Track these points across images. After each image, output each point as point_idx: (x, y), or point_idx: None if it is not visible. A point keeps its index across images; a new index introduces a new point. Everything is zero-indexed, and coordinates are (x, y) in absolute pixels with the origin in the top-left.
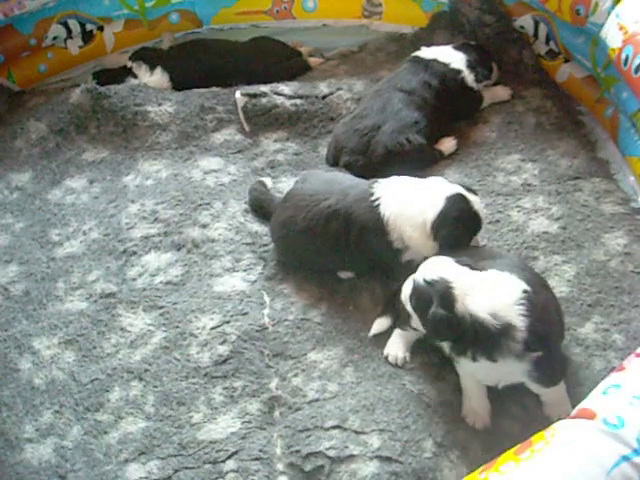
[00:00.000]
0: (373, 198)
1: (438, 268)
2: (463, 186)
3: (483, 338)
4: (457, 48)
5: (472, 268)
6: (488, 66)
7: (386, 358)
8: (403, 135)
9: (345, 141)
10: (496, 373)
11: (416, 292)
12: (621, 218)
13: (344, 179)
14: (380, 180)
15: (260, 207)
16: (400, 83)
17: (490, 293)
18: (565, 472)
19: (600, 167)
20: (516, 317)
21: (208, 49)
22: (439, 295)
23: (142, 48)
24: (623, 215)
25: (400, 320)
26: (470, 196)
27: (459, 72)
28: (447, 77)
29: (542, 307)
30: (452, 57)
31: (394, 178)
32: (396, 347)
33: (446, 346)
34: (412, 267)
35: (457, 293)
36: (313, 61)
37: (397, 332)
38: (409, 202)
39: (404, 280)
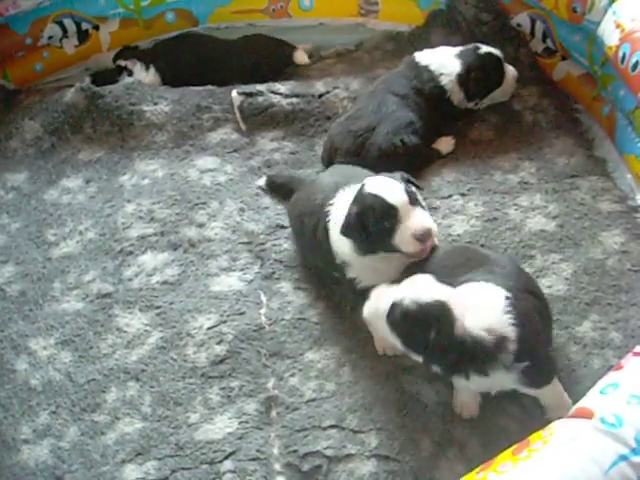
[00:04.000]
0: (328, 205)
1: (426, 288)
2: (402, 177)
3: (479, 355)
4: (460, 56)
5: (450, 285)
6: (490, 81)
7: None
8: (398, 136)
9: (340, 142)
10: (487, 384)
11: (405, 315)
12: (618, 216)
13: (354, 175)
14: (352, 185)
15: (277, 184)
16: (393, 87)
17: (479, 308)
18: (563, 472)
19: (597, 165)
20: (507, 327)
21: (198, 44)
22: (439, 319)
23: (125, 47)
24: (620, 213)
25: None
26: (389, 189)
27: (444, 91)
28: (432, 91)
29: (525, 313)
30: (445, 69)
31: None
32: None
33: (437, 368)
34: (356, 286)
35: (456, 315)
36: (299, 55)
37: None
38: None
39: (356, 301)
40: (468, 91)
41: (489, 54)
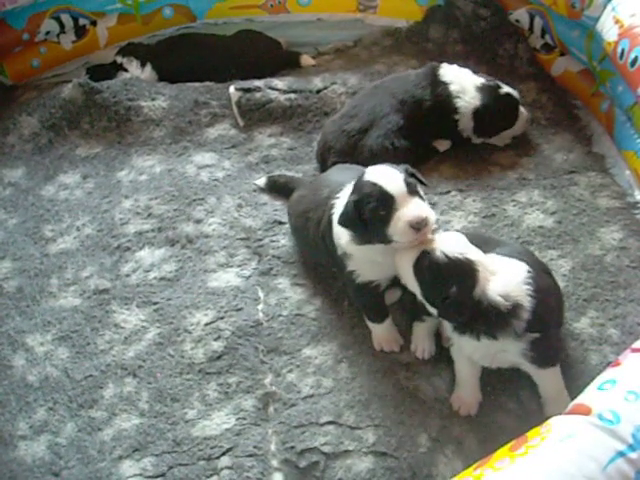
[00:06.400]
0: (334, 198)
1: (459, 245)
2: (406, 170)
3: (492, 317)
4: (481, 90)
5: (480, 249)
6: (503, 123)
7: (414, 353)
8: (388, 140)
9: (333, 141)
10: (493, 352)
11: (432, 264)
12: (617, 212)
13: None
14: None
15: (278, 184)
16: (396, 89)
17: (502, 275)
18: (561, 468)
19: (596, 161)
20: (524, 297)
21: (196, 43)
22: (463, 276)
23: (129, 44)
24: (619, 209)
25: (417, 312)
26: (387, 177)
27: (455, 112)
28: (442, 109)
29: (544, 289)
30: (465, 95)
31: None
32: (421, 340)
33: (449, 324)
34: (355, 279)
35: (480, 276)
36: (305, 59)
37: (417, 325)
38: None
39: (354, 295)
40: (478, 127)
41: (509, 96)
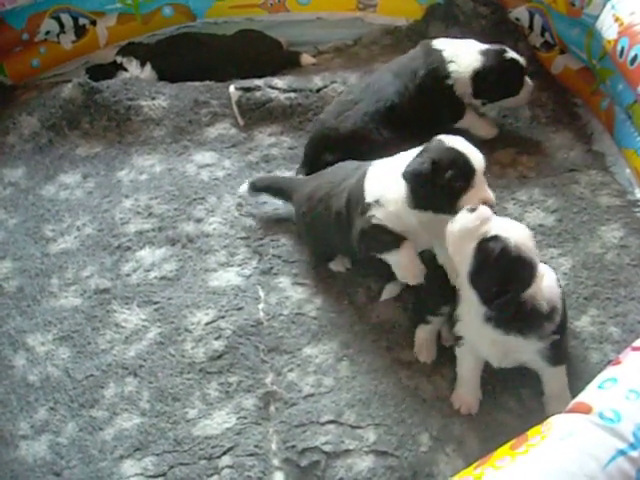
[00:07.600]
0: (363, 168)
1: (530, 244)
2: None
3: (531, 319)
4: (484, 53)
5: None
6: (506, 88)
7: (416, 357)
8: (373, 123)
9: (327, 107)
10: (509, 349)
11: (503, 253)
12: (617, 210)
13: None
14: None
15: (275, 187)
16: (394, 64)
17: (546, 281)
18: (561, 467)
19: (596, 159)
20: (558, 300)
21: (196, 42)
22: (525, 276)
23: (129, 43)
24: (619, 207)
25: (422, 314)
26: (472, 151)
27: (448, 77)
28: (433, 75)
29: (562, 291)
30: (460, 59)
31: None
32: (424, 344)
33: (480, 313)
34: (371, 221)
35: (537, 280)
36: (305, 58)
37: (421, 328)
38: (391, 168)
39: (362, 237)
40: (478, 89)
41: (514, 61)
